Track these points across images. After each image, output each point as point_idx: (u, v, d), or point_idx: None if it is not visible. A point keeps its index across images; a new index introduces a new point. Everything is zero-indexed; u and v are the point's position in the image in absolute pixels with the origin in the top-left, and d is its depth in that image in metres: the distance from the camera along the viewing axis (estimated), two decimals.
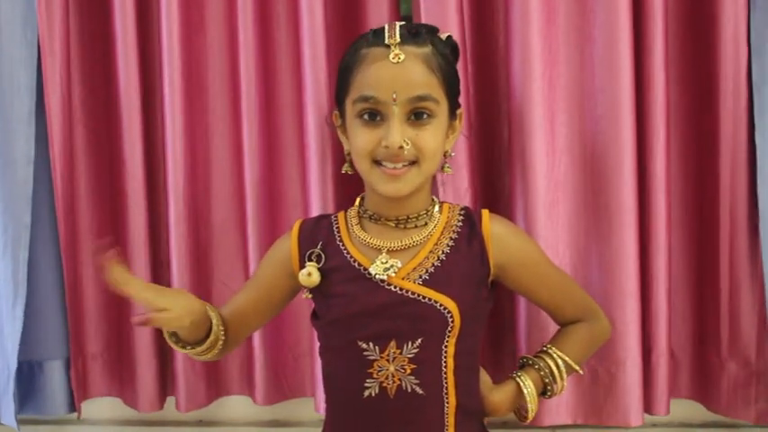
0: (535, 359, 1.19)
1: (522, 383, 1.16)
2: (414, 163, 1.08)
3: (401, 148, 1.05)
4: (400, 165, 1.07)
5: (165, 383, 1.59)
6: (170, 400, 1.59)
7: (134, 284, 1.01)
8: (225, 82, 1.52)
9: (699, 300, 1.46)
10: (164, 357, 1.58)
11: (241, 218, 1.52)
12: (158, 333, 1.54)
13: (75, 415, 1.58)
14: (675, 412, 1.45)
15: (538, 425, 1.41)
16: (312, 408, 1.49)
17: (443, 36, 1.13)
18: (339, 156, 1.38)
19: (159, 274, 1.57)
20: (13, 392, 1.49)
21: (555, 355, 1.18)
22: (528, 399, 1.16)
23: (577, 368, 1.19)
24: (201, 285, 1.53)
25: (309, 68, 1.41)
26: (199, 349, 1.11)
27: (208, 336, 1.12)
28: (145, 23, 1.51)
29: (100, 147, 1.55)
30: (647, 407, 1.42)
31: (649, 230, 1.38)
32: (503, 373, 1.41)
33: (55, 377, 1.55)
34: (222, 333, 1.14)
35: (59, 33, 1.47)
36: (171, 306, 1.01)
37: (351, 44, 1.13)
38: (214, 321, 1.12)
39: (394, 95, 1.04)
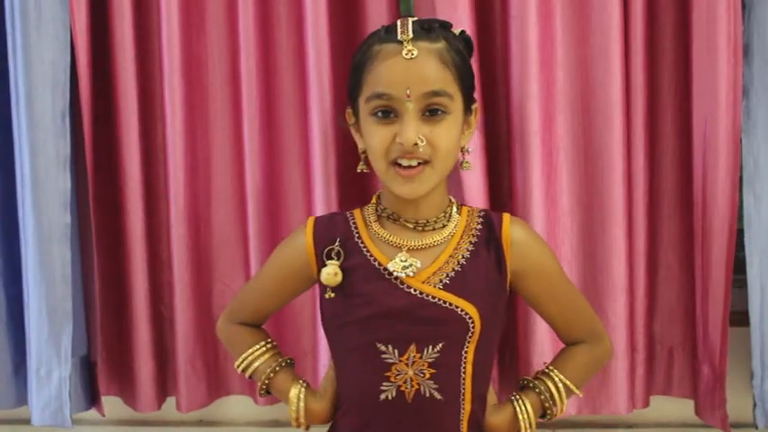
0: (536, 382, 1.17)
1: (519, 408, 1.15)
2: (427, 162, 1.06)
3: (416, 144, 1.03)
4: (415, 162, 1.05)
5: (165, 384, 1.59)
6: (170, 401, 1.59)
7: None
8: (226, 83, 1.53)
9: (689, 299, 1.50)
10: (162, 358, 1.59)
11: (242, 218, 1.53)
12: (156, 334, 1.57)
13: (75, 414, 1.56)
14: (675, 412, 1.47)
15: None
16: None
17: (456, 31, 1.12)
18: (342, 156, 1.42)
19: (159, 273, 1.58)
20: (68, 391, 1.49)
21: (556, 379, 1.16)
22: (522, 426, 1.14)
23: (577, 391, 1.18)
24: (202, 285, 1.55)
25: (313, 69, 1.43)
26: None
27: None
28: (144, 23, 1.53)
29: (99, 147, 1.54)
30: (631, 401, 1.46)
31: (634, 229, 1.44)
32: (502, 372, 1.48)
33: (74, 376, 1.54)
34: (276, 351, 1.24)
35: (86, 33, 1.47)
36: None
37: (362, 41, 1.12)
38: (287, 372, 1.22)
39: (408, 92, 1.02)
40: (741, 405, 1.46)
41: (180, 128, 1.50)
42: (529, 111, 1.40)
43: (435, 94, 1.05)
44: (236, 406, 1.66)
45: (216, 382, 1.59)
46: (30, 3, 1.45)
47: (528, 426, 1.14)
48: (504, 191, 1.49)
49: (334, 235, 1.14)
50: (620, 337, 1.43)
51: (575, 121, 1.44)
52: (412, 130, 1.03)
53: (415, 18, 1.08)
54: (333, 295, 1.11)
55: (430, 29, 1.07)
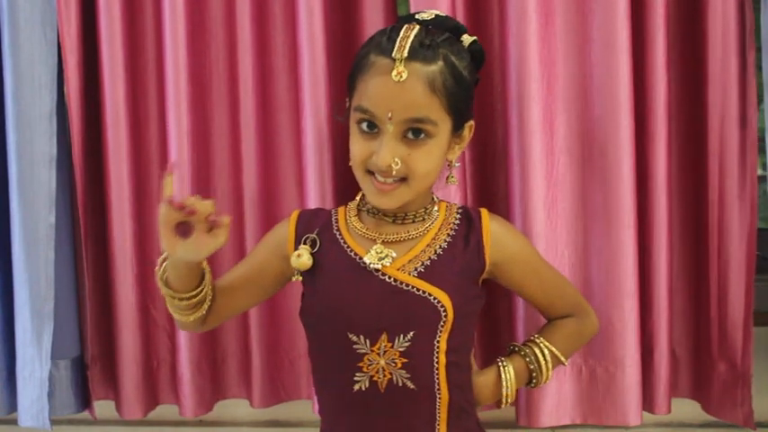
0: (522, 347, 1.20)
1: (502, 369, 1.17)
2: (404, 180, 1.08)
3: (390, 166, 1.05)
4: (390, 180, 1.07)
5: (154, 391, 1.58)
6: (162, 407, 1.59)
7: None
8: (224, 83, 1.52)
9: (697, 299, 1.48)
10: (152, 365, 1.57)
11: (239, 219, 1.51)
12: (144, 340, 1.55)
13: (76, 415, 1.57)
14: (675, 412, 1.44)
15: (538, 426, 1.42)
16: (312, 408, 1.48)
17: (467, 40, 1.12)
18: (337, 157, 1.40)
19: (149, 277, 1.53)
20: (47, 393, 1.48)
21: (542, 345, 1.19)
22: (504, 384, 1.17)
23: (563, 360, 1.21)
24: None
25: (307, 69, 1.41)
26: (187, 302, 1.11)
27: (196, 291, 1.12)
28: (136, 24, 1.51)
29: (95, 148, 1.53)
30: (648, 406, 1.43)
31: (650, 230, 1.40)
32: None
33: (65, 377, 1.54)
34: (210, 294, 1.14)
35: (75, 33, 1.47)
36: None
37: (369, 39, 1.12)
38: (207, 277, 1.12)
39: (389, 114, 1.03)
40: (755, 403, 1.44)
41: (186, 128, 1.47)
42: (529, 110, 1.37)
43: (418, 120, 1.05)
44: (237, 406, 1.63)
45: (215, 386, 1.58)
46: (18, 3, 1.44)
47: (509, 389, 1.17)
48: (499, 194, 1.47)
49: (314, 226, 1.18)
50: (628, 343, 1.39)
51: (577, 120, 1.41)
52: (388, 152, 1.04)
53: (420, 28, 1.06)
54: (299, 278, 1.15)
55: (430, 45, 1.05)
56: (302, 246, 1.14)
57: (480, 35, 1.41)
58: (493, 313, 1.45)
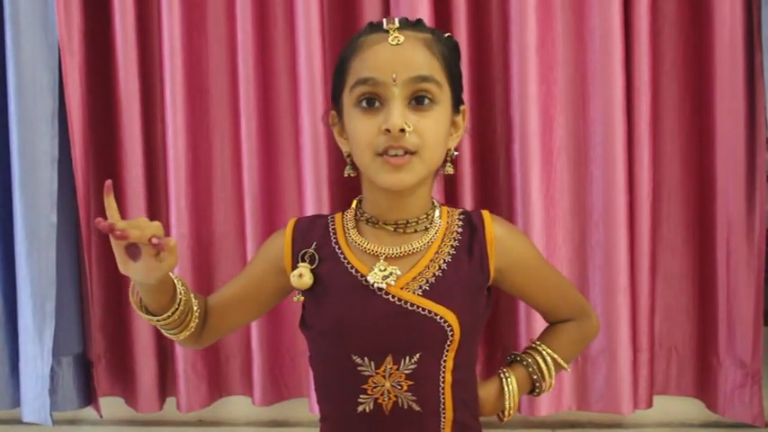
0: (523, 356, 1.16)
1: (505, 382, 1.13)
2: (414, 153, 1.01)
3: (403, 130, 0.98)
4: (402, 152, 1.00)
5: (165, 385, 1.60)
6: (170, 401, 1.59)
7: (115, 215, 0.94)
8: (224, 83, 1.53)
9: (702, 299, 1.49)
10: (164, 359, 1.59)
11: (239, 218, 1.52)
12: (157, 335, 1.55)
13: (78, 414, 1.59)
14: (676, 411, 1.46)
15: (538, 414, 1.45)
16: (308, 407, 1.51)
17: (444, 35, 1.08)
18: (334, 157, 1.41)
19: None
20: (48, 389, 1.49)
21: (544, 353, 1.14)
22: (507, 397, 1.12)
23: (566, 366, 1.16)
24: (203, 285, 1.54)
25: (304, 70, 1.42)
26: (165, 321, 1.04)
27: (171, 309, 1.04)
28: (145, 24, 1.53)
29: (102, 148, 1.55)
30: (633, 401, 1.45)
31: (637, 229, 1.42)
32: (494, 369, 1.46)
33: (67, 374, 1.56)
34: (196, 311, 1.08)
35: (78, 34, 1.48)
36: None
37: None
38: (180, 294, 1.05)
39: (394, 76, 0.98)
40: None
41: (182, 128, 1.49)
42: (529, 111, 1.39)
43: (423, 79, 1.00)
44: (236, 406, 1.65)
45: (216, 383, 1.59)
46: (19, 6, 1.47)
47: (512, 401, 1.12)
48: (495, 192, 1.48)
49: (311, 239, 1.10)
50: (622, 337, 1.43)
51: (575, 121, 1.42)
52: (398, 115, 0.98)
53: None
54: (301, 299, 1.09)
55: (417, 23, 1.05)
56: (301, 264, 1.07)
57: (483, 39, 1.46)
58: (492, 313, 1.43)
